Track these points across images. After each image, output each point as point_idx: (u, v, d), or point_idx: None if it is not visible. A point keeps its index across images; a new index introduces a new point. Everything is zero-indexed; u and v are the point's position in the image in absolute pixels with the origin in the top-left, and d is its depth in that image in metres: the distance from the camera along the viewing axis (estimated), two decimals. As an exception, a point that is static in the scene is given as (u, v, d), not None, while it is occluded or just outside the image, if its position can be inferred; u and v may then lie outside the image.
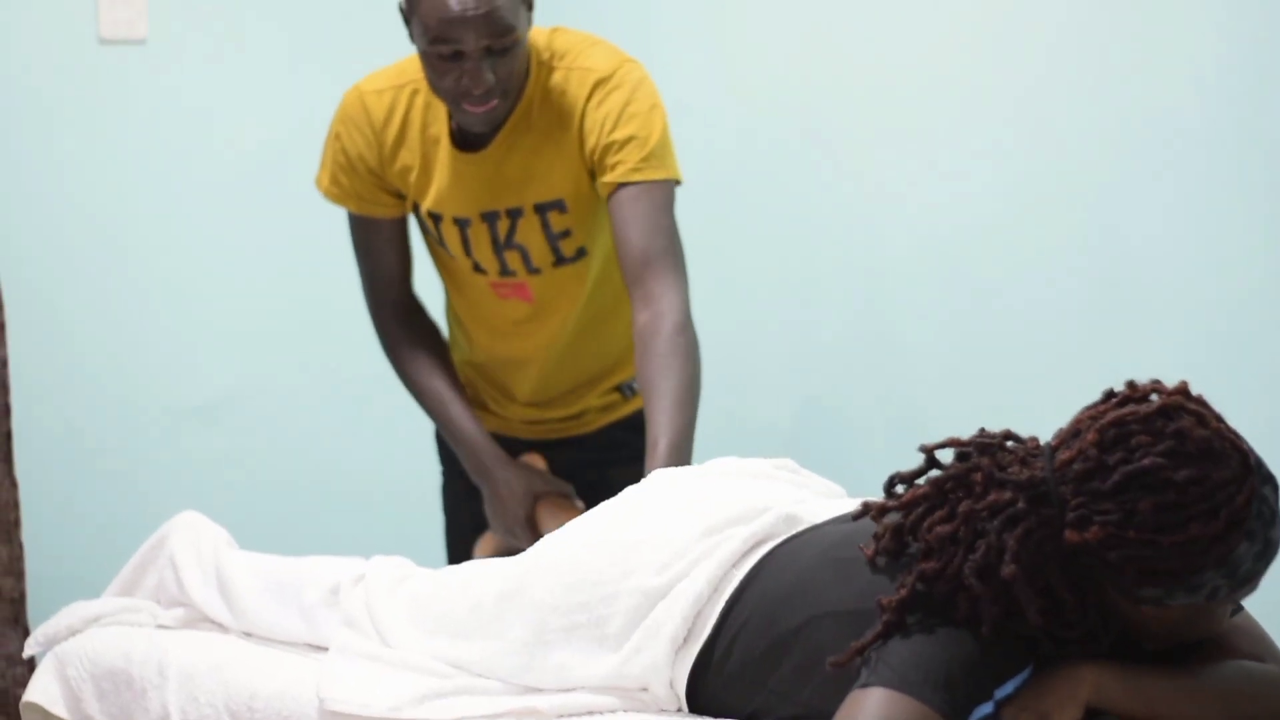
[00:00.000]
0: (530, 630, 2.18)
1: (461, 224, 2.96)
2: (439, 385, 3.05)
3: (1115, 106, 3.24)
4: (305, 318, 4.14)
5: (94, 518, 3.88)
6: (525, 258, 2.97)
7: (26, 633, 3.31)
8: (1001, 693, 1.92)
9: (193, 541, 2.63)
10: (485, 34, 2.75)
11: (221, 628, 2.56)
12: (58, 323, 3.87)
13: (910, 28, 3.54)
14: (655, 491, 2.30)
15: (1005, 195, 3.44)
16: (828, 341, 3.71)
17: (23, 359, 3.63)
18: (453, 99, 2.82)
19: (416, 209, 3.01)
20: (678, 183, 2.92)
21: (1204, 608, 1.90)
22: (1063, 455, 1.91)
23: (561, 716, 2.13)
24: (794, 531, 2.13)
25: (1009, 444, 1.97)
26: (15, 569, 3.34)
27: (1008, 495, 1.91)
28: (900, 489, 2.01)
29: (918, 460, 2.00)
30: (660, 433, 2.71)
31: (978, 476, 1.94)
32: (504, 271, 2.99)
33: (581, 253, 2.98)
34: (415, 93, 2.95)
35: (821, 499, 2.26)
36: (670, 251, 2.85)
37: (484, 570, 2.35)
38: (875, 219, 3.66)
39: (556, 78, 2.90)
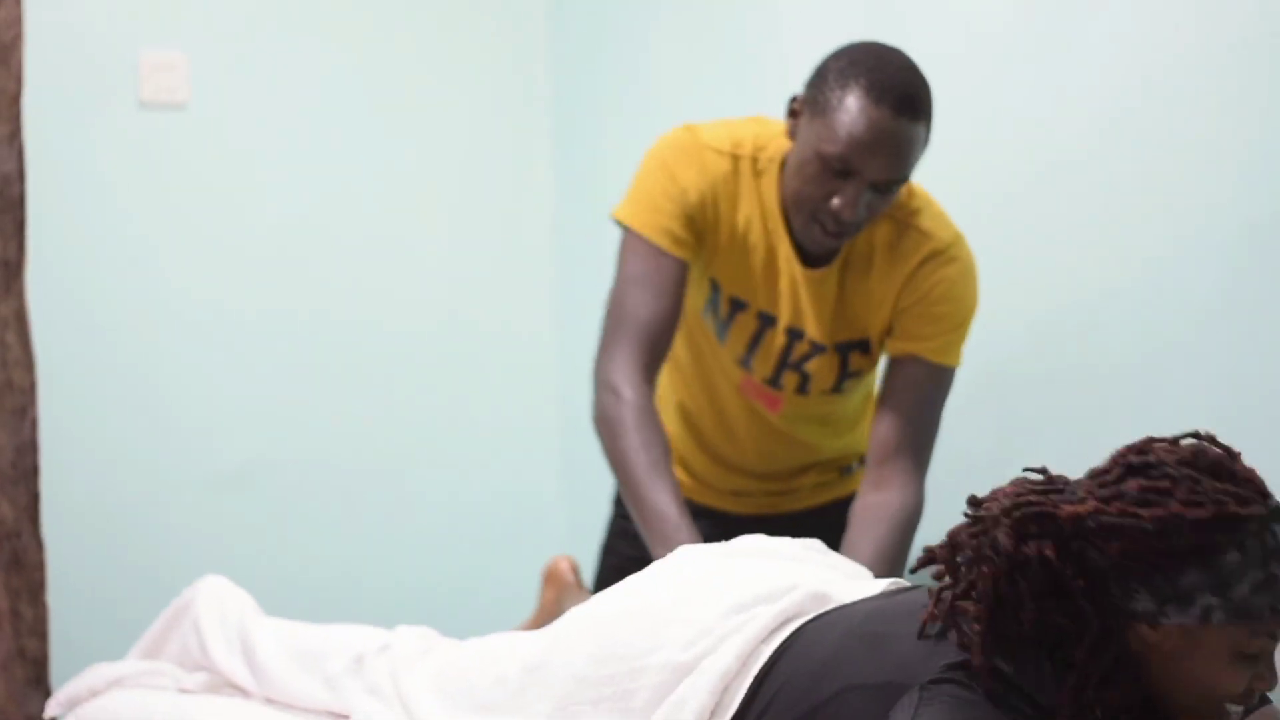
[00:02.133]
0: (555, 703, 2.16)
1: (765, 321, 2.86)
2: (662, 474, 2.72)
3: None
4: (336, 385, 4.14)
5: (119, 581, 3.87)
6: (803, 383, 2.90)
7: (49, 694, 3.30)
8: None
9: (218, 607, 2.62)
10: (888, 168, 2.63)
11: (244, 693, 2.55)
12: (89, 384, 3.87)
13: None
14: (684, 569, 2.30)
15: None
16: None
17: (53, 420, 3.63)
18: (810, 213, 2.70)
19: (715, 286, 2.87)
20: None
21: (1203, 640, 1.87)
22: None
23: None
24: (823, 609, 2.12)
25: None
26: (40, 630, 3.34)
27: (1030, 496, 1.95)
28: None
29: None
30: None
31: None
32: (771, 383, 2.91)
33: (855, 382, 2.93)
34: (760, 173, 2.80)
35: (849, 580, 2.25)
36: (926, 445, 2.80)
37: (510, 643, 2.34)
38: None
39: (893, 226, 2.80)
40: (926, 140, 2.67)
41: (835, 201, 2.65)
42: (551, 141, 4.36)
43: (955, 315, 2.81)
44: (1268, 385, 2.81)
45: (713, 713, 2.05)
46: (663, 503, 2.66)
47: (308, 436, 4.11)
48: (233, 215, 4.03)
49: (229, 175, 4.02)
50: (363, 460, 4.17)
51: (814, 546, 2.36)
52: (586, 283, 4.31)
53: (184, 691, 2.57)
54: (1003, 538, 1.91)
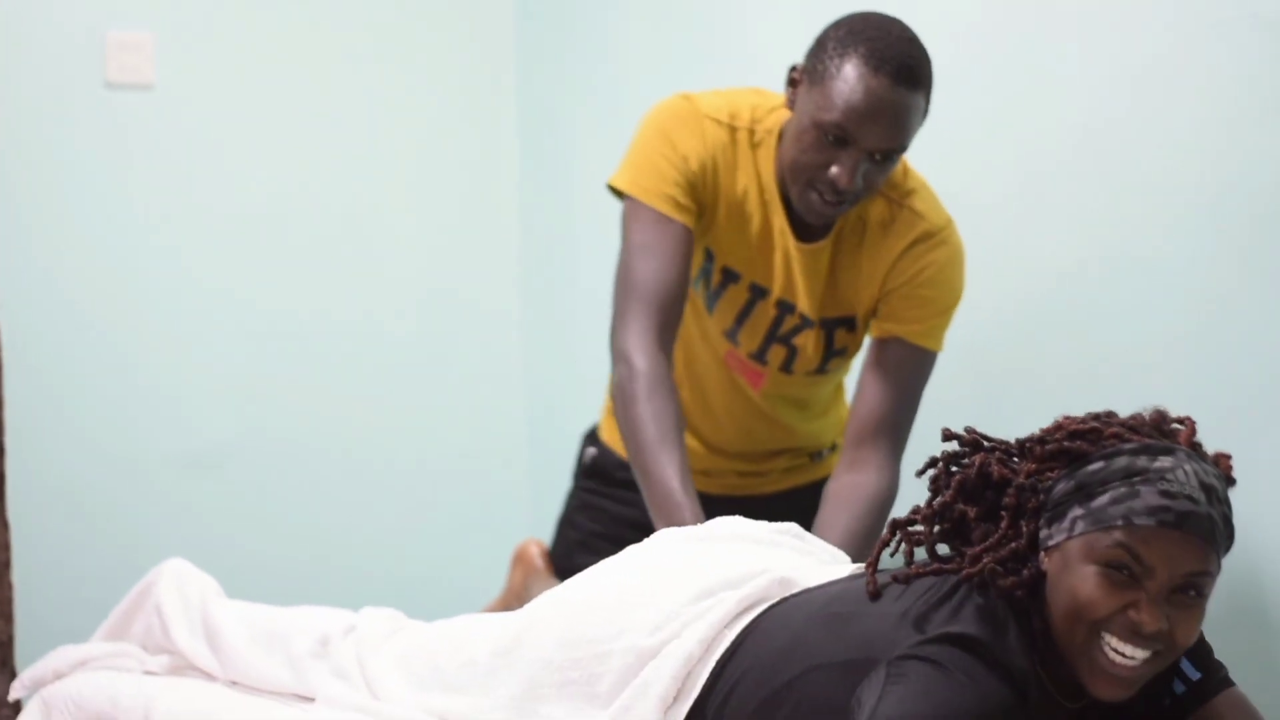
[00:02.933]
0: (522, 686, 2.17)
1: (757, 293, 2.86)
2: (671, 447, 2.68)
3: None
4: (304, 368, 4.14)
5: (86, 563, 3.87)
6: (789, 358, 2.90)
7: (13, 675, 3.29)
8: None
9: (179, 589, 2.62)
10: (885, 138, 2.62)
11: (208, 676, 2.55)
12: (56, 365, 3.87)
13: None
14: (654, 553, 2.30)
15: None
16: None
17: (20, 401, 3.62)
18: (807, 182, 2.69)
19: (709, 255, 2.86)
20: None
21: (1072, 554, 1.92)
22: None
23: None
24: (788, 594, 2.13)
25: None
26: (4, 611, 3.32)
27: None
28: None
29: None
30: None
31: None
32: (757, 358, 2.91)
33: (838, 362, 2.93)
34: (757, 145, 2.81)
35: (824, 565, 2.26)
36: (904, 427, 2.79)
37: (478, 626, 2.34)
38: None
39: (886, 205, 2.80)
40: (926, 111, 2.67)
41: (833, 170, 2.65)
42: (518, 126, 4.36)
43: (941, 300, 2.81)
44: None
45: (675, 697, 2.07)
46: (669, 477, 2.64)
47: (274, 419, 4.11)
48: (200, 195, 4.02)
49: (195, 155, 4.01)
50: (329, 442, 4.17)
51: (790, 531, 2.37)
52: (553, 268, 4.31)
53: (149, 674, 2.57)
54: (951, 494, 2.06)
